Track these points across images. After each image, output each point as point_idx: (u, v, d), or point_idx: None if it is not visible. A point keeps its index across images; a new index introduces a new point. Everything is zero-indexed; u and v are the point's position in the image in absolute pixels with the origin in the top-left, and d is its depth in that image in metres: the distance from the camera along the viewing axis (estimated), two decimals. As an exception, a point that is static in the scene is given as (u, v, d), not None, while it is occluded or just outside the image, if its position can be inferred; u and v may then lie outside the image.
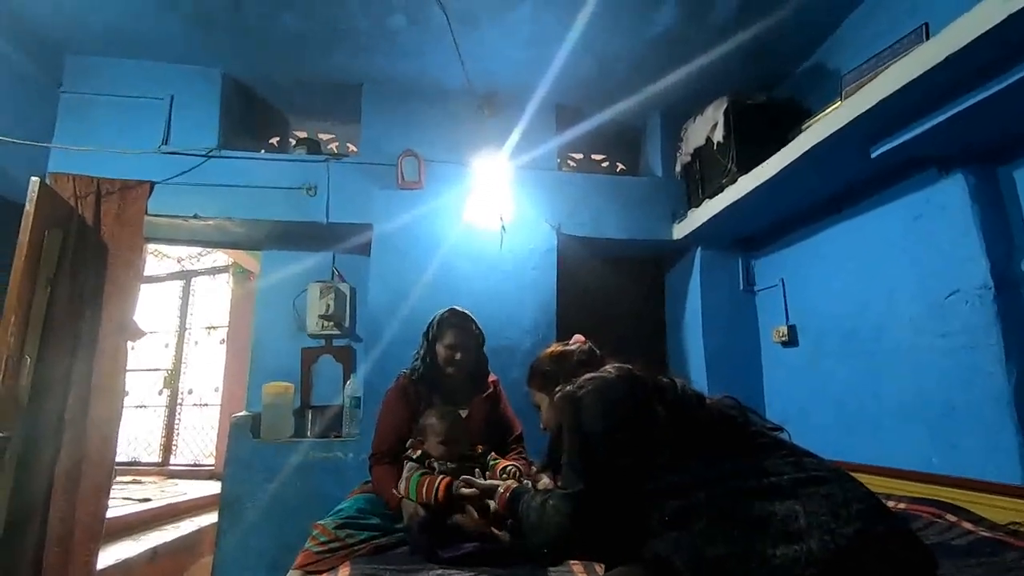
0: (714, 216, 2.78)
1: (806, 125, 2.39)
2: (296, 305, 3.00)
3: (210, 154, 2.77)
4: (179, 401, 5.32)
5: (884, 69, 1.86)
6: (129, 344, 4.96)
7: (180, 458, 5.16)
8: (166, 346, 5.52)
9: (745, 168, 2.55)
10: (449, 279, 2.89)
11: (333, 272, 3.07)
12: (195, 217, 2.73)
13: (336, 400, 2.88)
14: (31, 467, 2.24)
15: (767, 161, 2.35)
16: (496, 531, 1.49)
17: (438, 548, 1.47)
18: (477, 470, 1.73)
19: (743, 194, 2.51)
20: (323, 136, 3.40)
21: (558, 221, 3.07)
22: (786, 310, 2.88)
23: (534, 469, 1.93)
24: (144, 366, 5.37)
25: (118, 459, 4.77)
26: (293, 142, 3.26)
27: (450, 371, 1.94)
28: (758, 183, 2.38)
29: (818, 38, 2.71)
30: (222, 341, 5.38)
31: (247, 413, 2.74)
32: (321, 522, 1.67)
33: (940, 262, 2.02)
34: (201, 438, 5.21)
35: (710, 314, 3.11)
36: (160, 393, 5.35)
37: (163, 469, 5.05)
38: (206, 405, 5.28)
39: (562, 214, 3.08)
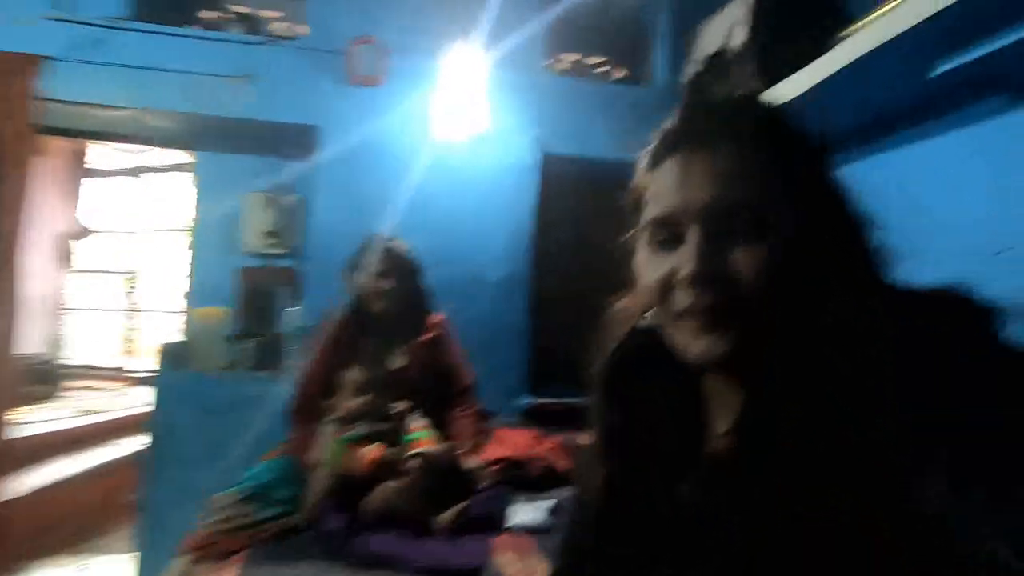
0: (724, 139, 2.36)
1: (850, 31, 1.92)
2: (235, 218, 2.61)
3: (115, 24, 2.25)
4: (137, 305, 5.05)
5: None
6: (73, 243, 4.59)
7: (142, 364, 4.97)
8: (123, 248, 5.17)
9: (768, 81, 2.10)
10: (412, 196, 2.50)
11: (277, 182, 2.65)
12: (102, 105, 2.26)
13: (282, 329, 2.57)
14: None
15: (798, 75, 1.90)
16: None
17: (353, 537, 1.22)
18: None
19: (763, 115, 2.08)
20: (266, 14, 2.82)
21: (542, 135, 2.62)
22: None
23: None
24: (100, 268, 5.06)
25: (72, 363, 4.56)
26: (227, 18, 2.69)
27: (377, 306, 1.63)
28: (783, 102, 1.94)
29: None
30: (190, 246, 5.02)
31: (182, 339, 2.45)
32: (224, 493, 1.41)
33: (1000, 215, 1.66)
34: (162, 345, 4.98)
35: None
36: (120, 296, 5.06)
37: (122, 375, 4.87)
38: (167, 312, 5.01)
39: (547, 127, 2.63)
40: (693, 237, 0.48)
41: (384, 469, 1.33)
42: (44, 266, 4.12)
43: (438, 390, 1.72)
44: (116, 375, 4.84)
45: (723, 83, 2.42)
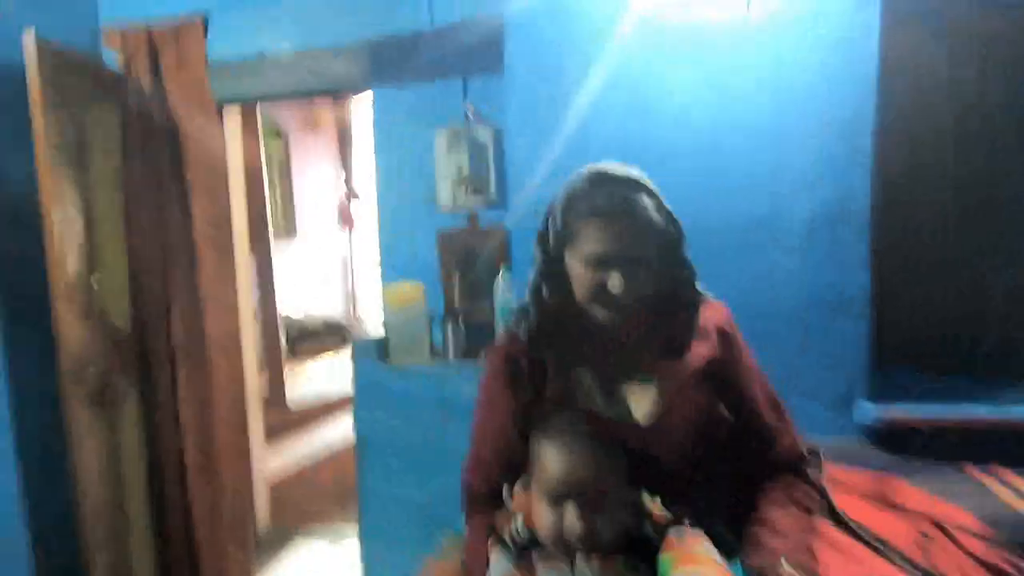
0: None
1: None
2: (422, 167, 2.06)
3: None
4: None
5: None
6: (350, 207, 4.88)
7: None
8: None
9: None
10: (648, 94, 1.61)
11: (465, 111, 2.00)
12: (265, 56, 1.88)
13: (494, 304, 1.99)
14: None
15: None
16: None
17: None
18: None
19: None
20: None
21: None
22: None
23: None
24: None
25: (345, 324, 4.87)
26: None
27: (601, 315, 0.82)
28: None
29: None
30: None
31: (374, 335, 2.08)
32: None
33: None
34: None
35: None
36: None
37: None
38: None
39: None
40: None
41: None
42: (328, 230, 4.48)
43: (722, 456, 0.88)
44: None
45: None
